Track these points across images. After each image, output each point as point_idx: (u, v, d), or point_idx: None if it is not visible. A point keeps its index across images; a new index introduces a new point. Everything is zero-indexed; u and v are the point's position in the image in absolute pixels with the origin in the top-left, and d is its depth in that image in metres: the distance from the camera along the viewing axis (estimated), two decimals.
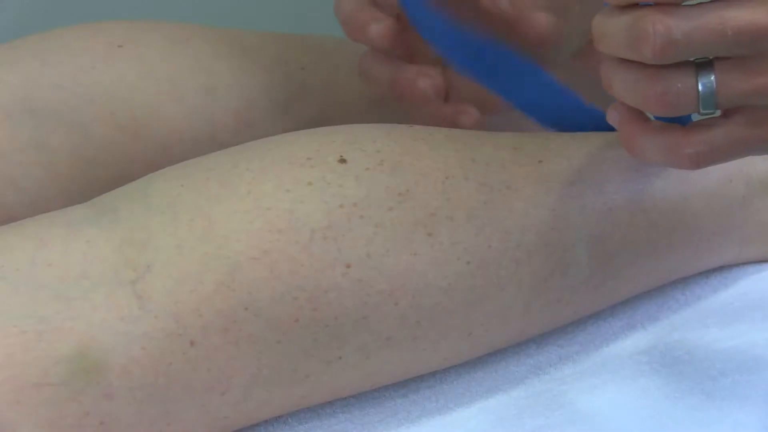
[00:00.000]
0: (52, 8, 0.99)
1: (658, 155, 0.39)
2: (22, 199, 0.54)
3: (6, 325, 0.37)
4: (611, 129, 0.43)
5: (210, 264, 0.40)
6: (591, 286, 0.47)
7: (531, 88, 0.50)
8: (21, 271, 0.39)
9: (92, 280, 0.39)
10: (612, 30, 0.37)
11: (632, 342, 0.50)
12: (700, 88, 0.36)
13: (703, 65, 0.36)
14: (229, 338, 0.40)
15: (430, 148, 0.45)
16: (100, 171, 0.56)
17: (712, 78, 0.36)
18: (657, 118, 0.40)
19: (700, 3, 0.35)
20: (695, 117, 0.39)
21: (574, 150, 0.48)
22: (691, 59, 0.37)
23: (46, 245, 0.40)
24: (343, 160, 0.43)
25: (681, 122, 0.40)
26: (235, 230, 0.40)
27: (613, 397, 0.46)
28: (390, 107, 0.66)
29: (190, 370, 0.39)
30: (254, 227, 0.40)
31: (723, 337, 0.49)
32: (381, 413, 0.46)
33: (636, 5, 0.36)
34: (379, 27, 0.51)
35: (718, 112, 0.38)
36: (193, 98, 0.60)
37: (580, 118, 0.50)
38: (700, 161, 0.38)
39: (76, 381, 0.38)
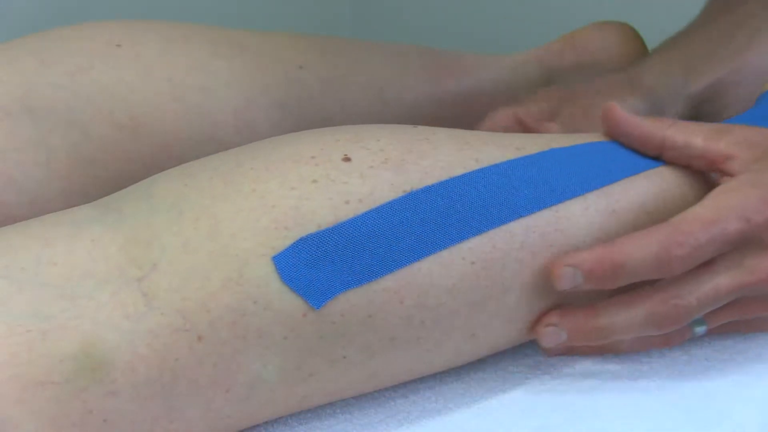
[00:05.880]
0: (51, 8, 0.99)
1: None
2: (21, 198, 0.54)
3: (11, 324, 0.37)
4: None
5: (218, 261, 0.40)
6: None
7: None
8: (26, 270, 0.39)
9: (97, 279, 0.39)
10: (627, 317, 0.45)
11: None
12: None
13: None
14: (237, 332, 0.40)
15: (433, 147, 0.45)
16: (100, 170, 0.56)
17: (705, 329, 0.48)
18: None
19: (687, 280, 0.44)
20: None
21: None
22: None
23: (51, 245, 0.40)
24: (347, 159, 0.43)
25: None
26: (241, 228, 0.40)
27: (612, 398, 0.46)
28: (390, 108, 0.66)
29: (195, 364, 0.39)
30: (261, 225, 0.40)
31: (723, 336, 0.50)
32: (381, 414, 0.46)
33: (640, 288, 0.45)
34: None
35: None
36: (192, 97, 0.59)
37: None
38: None
39: (80, 379, 0.38)
